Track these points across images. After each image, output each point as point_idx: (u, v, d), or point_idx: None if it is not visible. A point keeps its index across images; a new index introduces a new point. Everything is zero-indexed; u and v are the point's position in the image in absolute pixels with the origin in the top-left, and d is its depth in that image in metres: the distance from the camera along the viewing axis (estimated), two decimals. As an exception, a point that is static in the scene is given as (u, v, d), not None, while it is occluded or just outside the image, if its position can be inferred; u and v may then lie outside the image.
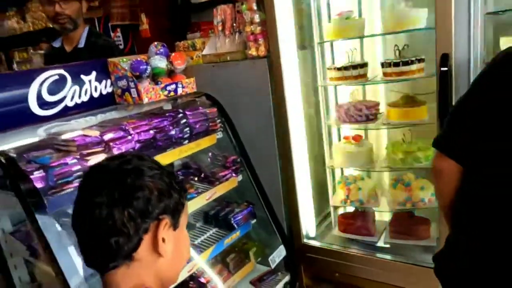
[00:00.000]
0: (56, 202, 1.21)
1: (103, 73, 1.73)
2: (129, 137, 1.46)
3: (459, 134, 1.08)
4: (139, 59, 1.70)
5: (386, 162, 2.07)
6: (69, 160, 1.28)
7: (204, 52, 2.31)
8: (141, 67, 1.66)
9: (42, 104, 1.54)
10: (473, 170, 1.07)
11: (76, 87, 1.64)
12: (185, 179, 1.80)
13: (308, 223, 2.24)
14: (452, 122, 1.12)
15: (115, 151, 1.40)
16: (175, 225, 0.82)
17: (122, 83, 1.70)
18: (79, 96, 1.66)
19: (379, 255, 2.04)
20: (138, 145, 1.48)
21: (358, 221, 2.16)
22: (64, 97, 1.60)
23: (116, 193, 0.74)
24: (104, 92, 1.75)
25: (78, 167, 1.28)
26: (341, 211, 2.34)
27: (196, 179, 1.84)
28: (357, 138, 2.11)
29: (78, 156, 1.31)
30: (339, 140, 2.30)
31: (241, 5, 2.06)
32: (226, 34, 2.23)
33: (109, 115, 1.62)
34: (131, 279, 0.77)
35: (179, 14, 3.08)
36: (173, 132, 1.61)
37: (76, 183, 1.26)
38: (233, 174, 1.82)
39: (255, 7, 2.03)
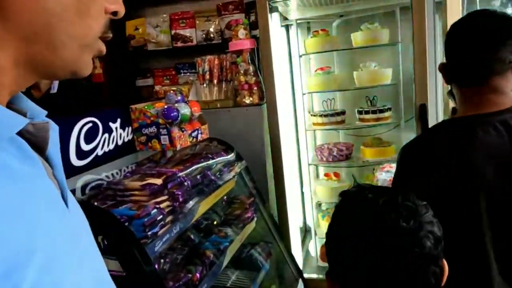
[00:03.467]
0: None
1: (126, 120, 1.67)
2: (186, 184, 1.45)
3: None
4: (166, 106, 1.70)
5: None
6: (151, 210, 1.22)
7: (190, 99, 2.36)
8: (172, 114, 1.66)
9: (79, 153, 1.41)
10: None
11: (106, 135, 1.55)
12: (211, 226, 1.79)
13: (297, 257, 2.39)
14: None
15: (180, 199, 1.38)
16: None
17: (150, 130, 1.67)
18: (108, 145, 1.56)
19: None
20: (192, 190, 1.48)
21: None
22: (97, 146, 1.50)
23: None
24: (126, 140, 1.67)
25: (160, 216, 1.24)
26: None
27: (215, 222, 1.85)
28: (337, 175, 2.41)
29: (154, 206, 1.26)
30: (316, 177, 2.57)
31: (236, 57, 2.23)
32: (214, 83, 2.35)
33: (145, 162, 1.57)
34: None
35: (130, 60, 3.04)
36: (212, 177, 1.64)
37: (161, 232, 1.21)
38: (254, 215, 1.90)
39: (248, 60, 2.22)
